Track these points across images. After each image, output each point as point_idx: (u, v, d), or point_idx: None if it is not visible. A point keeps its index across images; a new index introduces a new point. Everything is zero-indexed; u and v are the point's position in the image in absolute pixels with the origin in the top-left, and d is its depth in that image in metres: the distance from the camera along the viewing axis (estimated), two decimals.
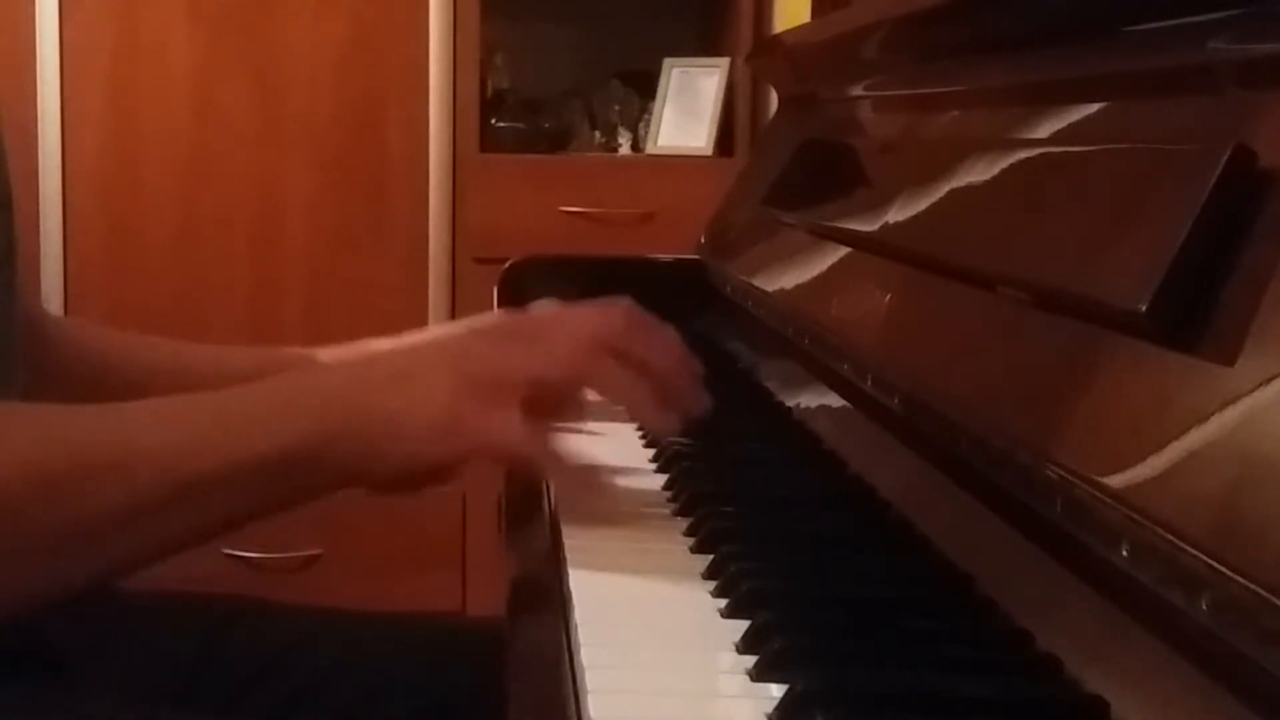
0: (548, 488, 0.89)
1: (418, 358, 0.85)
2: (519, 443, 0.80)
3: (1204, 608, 0.48)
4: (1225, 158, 0.58)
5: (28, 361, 0.96)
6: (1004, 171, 0.84)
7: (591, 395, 0.86)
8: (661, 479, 0.91)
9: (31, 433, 0.77)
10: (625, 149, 2.98)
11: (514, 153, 2.84)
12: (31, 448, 0.76)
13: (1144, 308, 0.59)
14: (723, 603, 0.68)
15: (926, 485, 0.79)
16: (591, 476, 0.85)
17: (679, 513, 0.84)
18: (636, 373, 0.83)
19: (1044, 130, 0.83)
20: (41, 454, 0.76)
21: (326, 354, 1.12)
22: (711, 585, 0.70)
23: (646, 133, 2.95)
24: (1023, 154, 0.83)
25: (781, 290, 1.22)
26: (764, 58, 1.95)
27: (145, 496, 0.77)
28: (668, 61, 2.95)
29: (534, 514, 0.85)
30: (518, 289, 1.54)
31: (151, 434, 0.79)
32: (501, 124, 2.88)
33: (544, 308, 1.13)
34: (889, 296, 0.95)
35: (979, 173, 0.87)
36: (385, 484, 0.82)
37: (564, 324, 0.85)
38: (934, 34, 1.09)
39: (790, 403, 1.13)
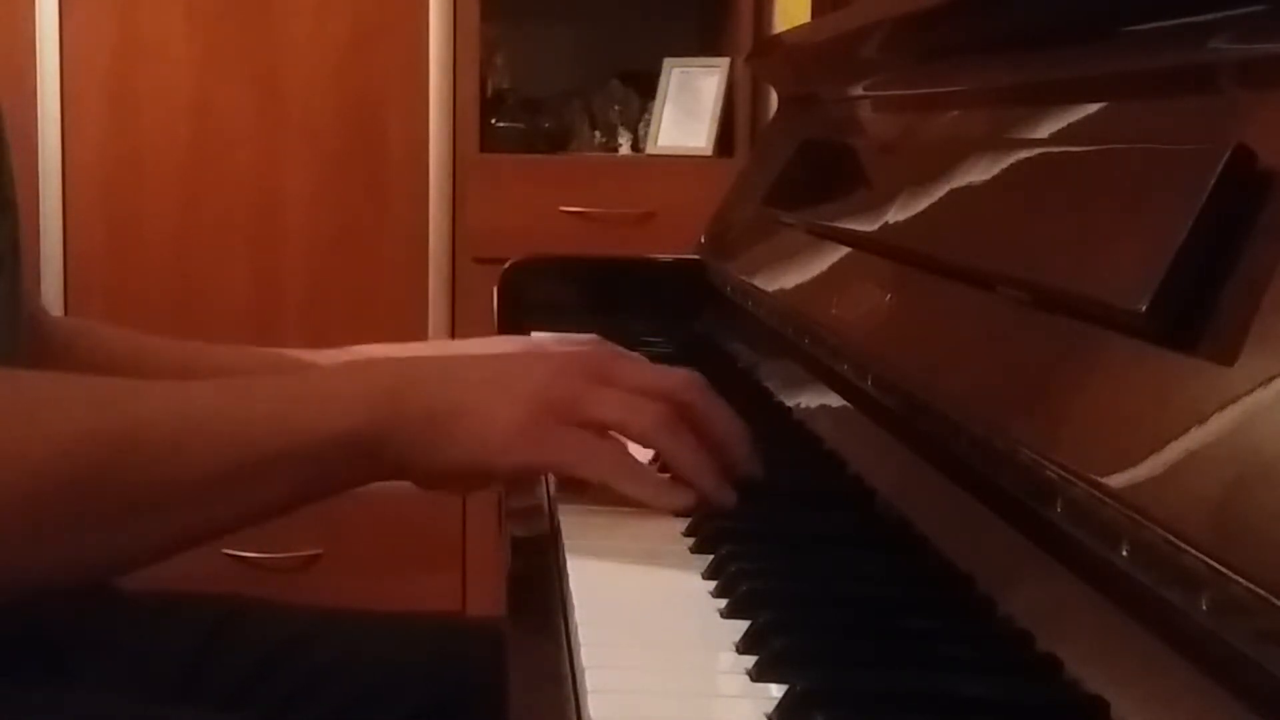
0: (548, 486, 0.88)
1: (507, 367, 0.86)
2: (584, 462, 0.80)
3: (1204, 608, 0.48)
4: (1225, 158, 0.58)
5: (31, 365, 0.96)
6: (1004, 171, 0.84)
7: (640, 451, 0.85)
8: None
9: (93, 404, 0.77)
10: (625, 149, 2.98)
11: (514, 153, 2.84)
12: (93, 419, 0.76)
13: (1144, 308, 0.59)
14: (723, 603, 0.68)
15: (926, 485, 0.79)
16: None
17: (679, 513, 0.84)
18: (701, 443, 0.83)
19: (1044, 130, 0.83)
20: (103, 425, 0.76)
21: (329, 357, 1.12)
22: (711, 585, 0.70)
23: (646, 133, 2.95)
24: (1023, 154, 0.83)
25: (781, 290, 1.22)
26: (764, 58, 1.96)
27: (209, 471, 0.77)
28: (668, 61, 2.95)
29: (534, 514, 0.85)
30: (518, 289, 1.54)
31: (219, 409, 0.79)
32: (501, 124, 2.88)
33: (552, 344, 1.14)
34: (889, 296, 0.95)
35: (979, 173, 0.87)
36: (441, 480, 0.82)
37: (646, 376, 0.85)
38: (934, 34, 1.09)
39: (790, 403, 1.13)
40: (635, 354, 1.11)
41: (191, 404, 0.79)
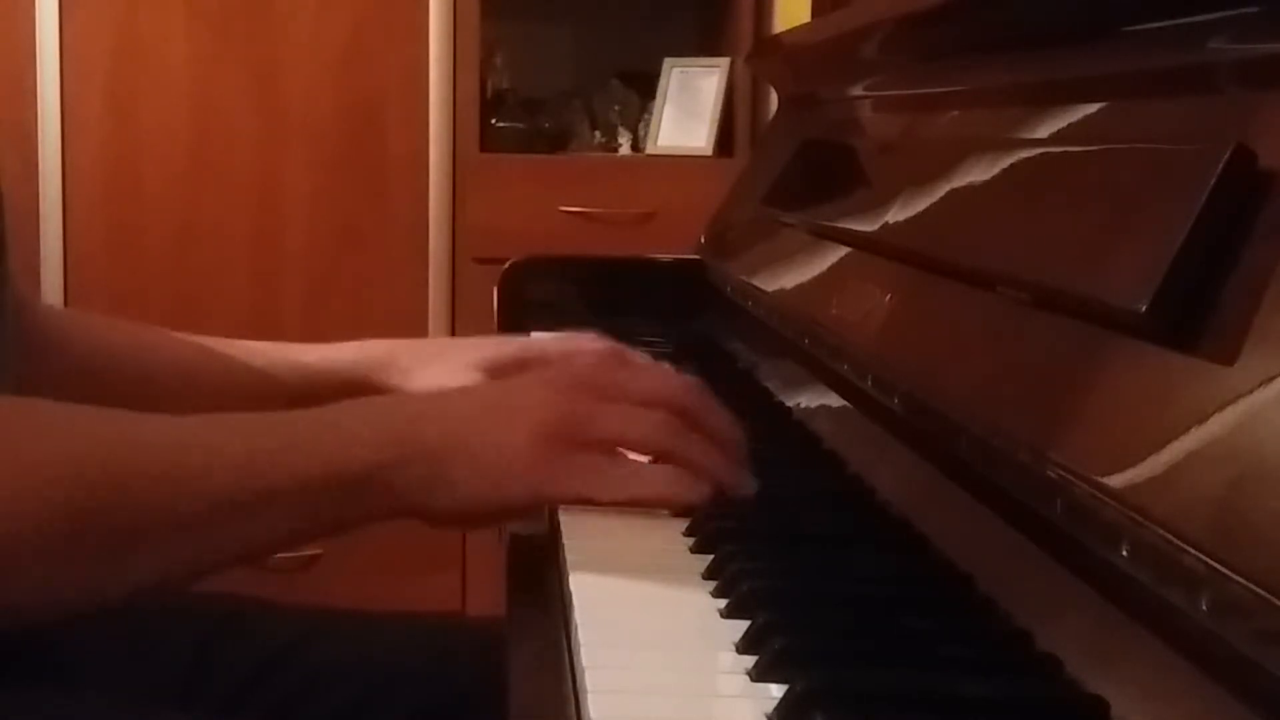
0: None
1: (504, 396, 0.85)
2: (600, 494, 0.80)
3: (1204, 608, 0.48)
4: (1225, 158, 0.58)
5: (28, 356, 0.96)
6: (1004, 171, 0.84)
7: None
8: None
9: (90, 432, 0.77)
10: (625, 149, 2.98)
11: (514, 153, 2.84)
12: (90, 448, 0.75)
13: (1144, 308, 0.59)
14: (723, 603, 0.68)
15: (926, 485, 0.79)
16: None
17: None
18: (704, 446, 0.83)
19: (1044, 130, 0.83)
20: (100, 454, 0.75)
21: (327, 351, 1.13)
22: (711, 585, 0.70)
23: (646, 133, 2.95)
24: (1023, 154, 0.83)
25: (781, 290, 1.22)
26: (764, 58, 1.96)
27: (221, 502, 0.76)
28: (668, 61, 2.95)
29: (534, 514, 0.85)
30: (518, 289, 1.54)
31: (231, 441, 0.78)
32: (501, 124, 2.88)
33: (552, 343, 1.14)
34: (889, 296, 0.95)
35: (979, 173, 0.87)
36: (449, 518, 0.81)
37: (645, 385, 0.85)
38: (934, 34, 1.09)
39: (790, 403, 1.13)
40: (635, 354, 1.11)
41: (190, 436, 0.79)
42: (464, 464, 0.79)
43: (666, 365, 1.06)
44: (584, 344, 1.13)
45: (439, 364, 1.10)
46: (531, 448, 0.79)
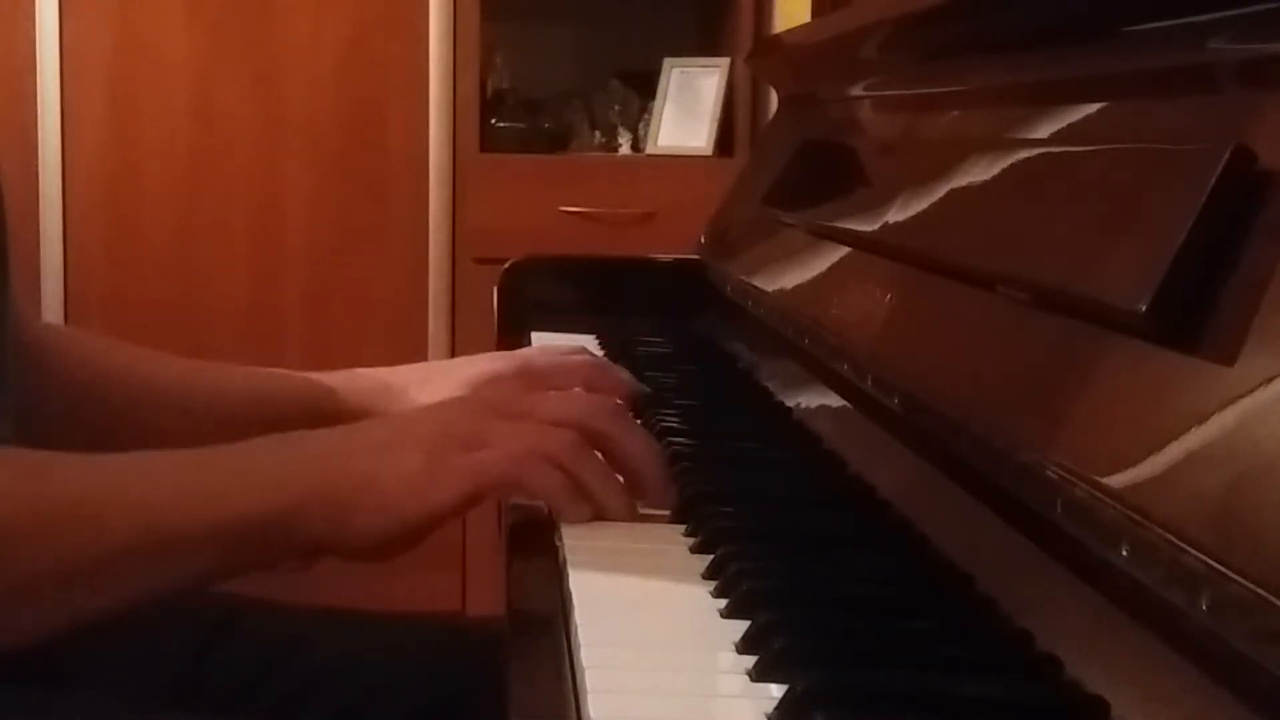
0: None
1: (398, 427, 0.86)
2: (482, 477, 0.80)
3: (1204, 608, 0.48)
4: (1225, 158, 0.58)
5: (22, 372, 0.96)
6: (1004, 171, 0.84)
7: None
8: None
9: (4, 477, 0.77)
10: (625, 149, 2.98)
11: (514, 153, 2.84)
12: (9, 491, 0.76)
13: (1144, 308, 0.59)
14: (723, 603, 0.68)
15: (926, 485, 0.79)
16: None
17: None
18: (611, 466, 0.83)
19: (1044, 130, 0.83)
20: (14, 500, 0.76)
21: (328, 379, 1.12)
22: (711, 585, 0.70)
23: (646, 133, 2.95)
24: (1023, 154, 0.83)
25: (781, 290, 1.22)
26: (764, 58, 1.96)
27: (119, 549, 0.77)
28: (668, 61, 2.95)
29: (534, 514, 0.85)
30: (518, 289, 1.54)
31: (130, 488, 0.79)
32: (501, 124, 2.88)
33: (540, 356, 1.14)
34: (889, 296, 0.95)
35: (979, 173, 0.87)
36: (366, 551, 0.82)
37: (556, 406, 0.85)
38: (934, 34, 1.09)
39: (790, 403, 1.13)
40: (617, 369, 1.11)
41: (110, 479, 0.79)
42: (368, 499, 0.79)
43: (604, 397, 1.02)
44: (571, 358, 1.13)
45: (431, 387, 1.10)
46: (426, 467, 0.79)
